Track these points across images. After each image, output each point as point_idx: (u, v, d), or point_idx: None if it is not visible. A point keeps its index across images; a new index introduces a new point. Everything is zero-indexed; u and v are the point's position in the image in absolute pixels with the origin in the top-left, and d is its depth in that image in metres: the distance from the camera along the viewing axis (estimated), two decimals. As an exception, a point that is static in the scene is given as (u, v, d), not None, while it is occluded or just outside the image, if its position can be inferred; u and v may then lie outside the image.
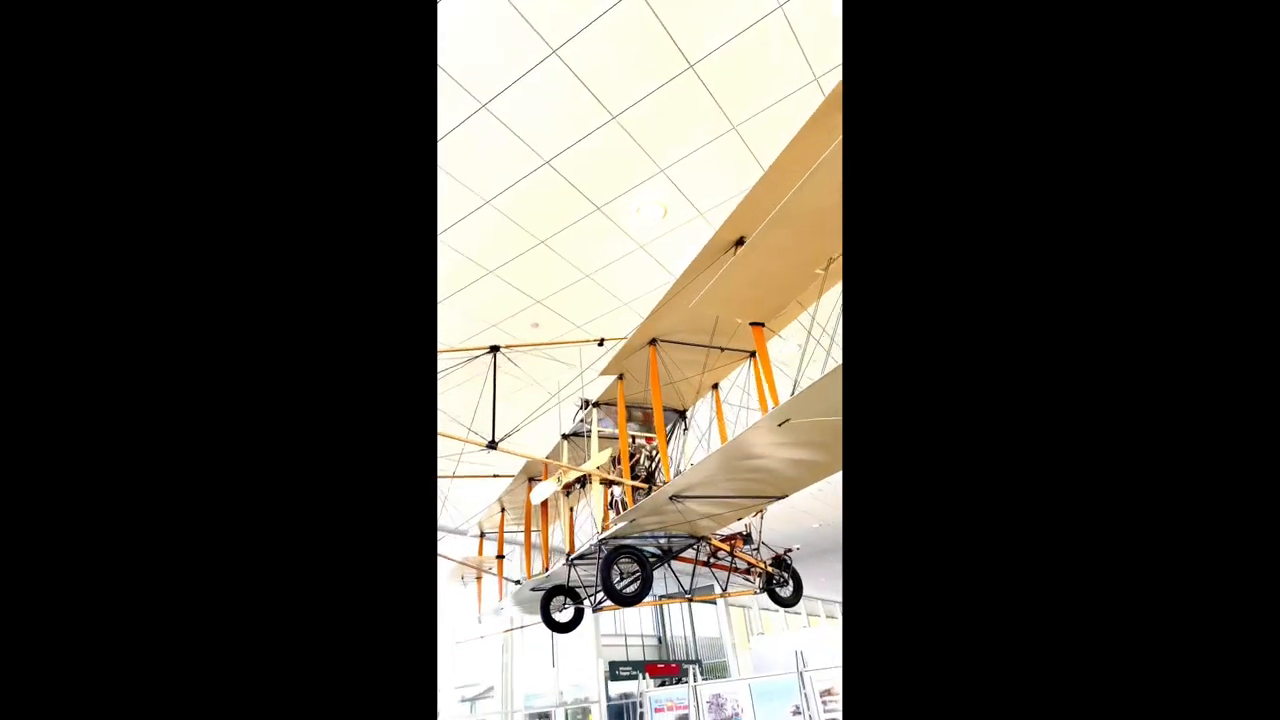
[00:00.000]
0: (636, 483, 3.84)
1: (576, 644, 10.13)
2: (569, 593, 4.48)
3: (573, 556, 4.12)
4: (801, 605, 16.70)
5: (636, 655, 11.54)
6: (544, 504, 4.83)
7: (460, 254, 3.69)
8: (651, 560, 3.80)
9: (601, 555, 3.70)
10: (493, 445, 3.13)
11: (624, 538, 3.73)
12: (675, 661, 11.72)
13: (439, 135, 2.95)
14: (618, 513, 4.03)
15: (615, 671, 10.12)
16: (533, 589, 4.85)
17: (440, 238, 3.48)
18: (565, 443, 4.53)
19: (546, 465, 4.84)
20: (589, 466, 3.53)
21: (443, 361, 3.98)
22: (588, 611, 4.64)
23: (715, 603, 13.85)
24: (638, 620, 12.08)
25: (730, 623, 13.77)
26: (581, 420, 4.29)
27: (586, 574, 4.30)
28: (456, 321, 4.38)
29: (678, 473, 3.66)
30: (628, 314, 4.40)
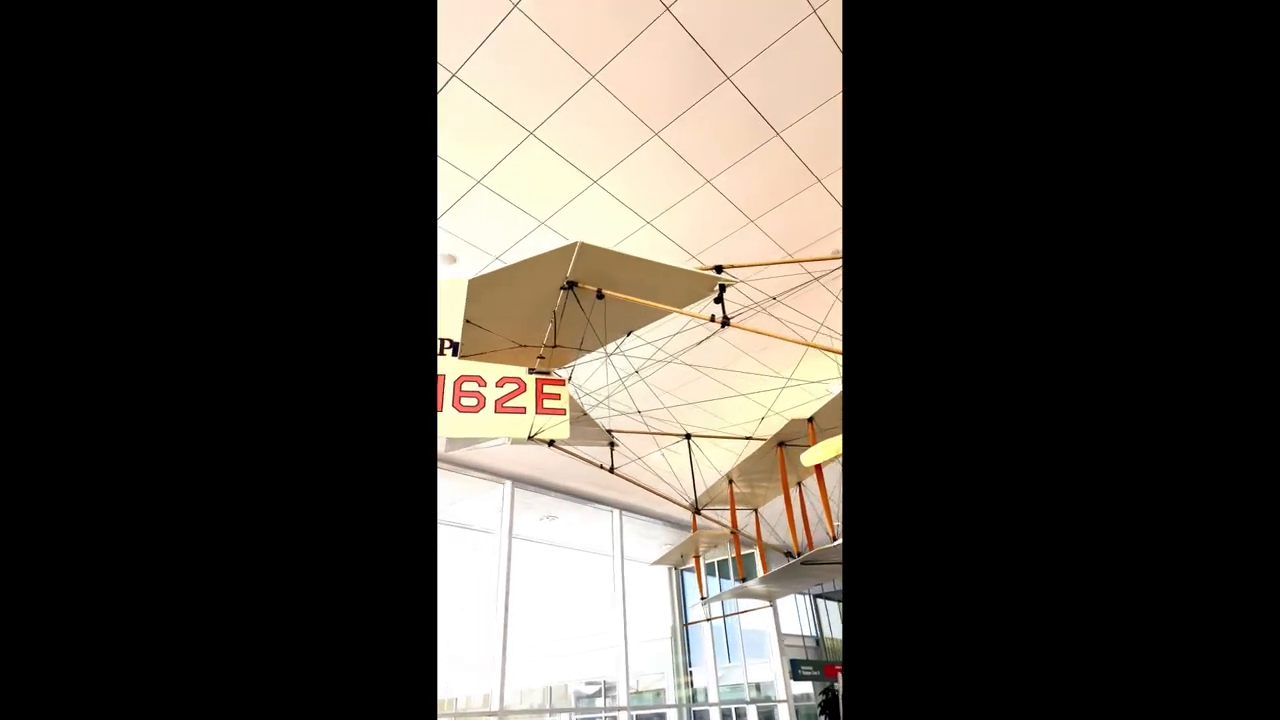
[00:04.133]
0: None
1: (754, 640, 9.58)
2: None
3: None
4: None
5: (798, 655, 10.81)
6: (818, 467, 4.37)
7: (680, 158, 3.22)
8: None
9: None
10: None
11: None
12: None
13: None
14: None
15: (797, 670, 9.47)
16: (805, 562, 4.37)
17: (678, 122, 3.07)
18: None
19: (812, 425, 4.37)
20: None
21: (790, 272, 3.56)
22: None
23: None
24: (795, 620, 11.36)
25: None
26: None
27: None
28: (675, 235, 3.89)
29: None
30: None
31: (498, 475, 6.81)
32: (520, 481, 6.98)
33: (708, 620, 7.20)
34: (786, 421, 4.45)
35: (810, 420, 4.37)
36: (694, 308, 2.77)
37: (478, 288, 2.44)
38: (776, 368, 4.81)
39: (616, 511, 8.08)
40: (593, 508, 7.91)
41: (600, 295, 2.57)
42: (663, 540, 9.59)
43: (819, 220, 3.62)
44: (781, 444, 4.70)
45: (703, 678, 9.41)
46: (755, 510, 5.71)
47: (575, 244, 2.40)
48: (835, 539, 4.02)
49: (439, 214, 3.36)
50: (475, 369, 3.14)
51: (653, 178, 3.22)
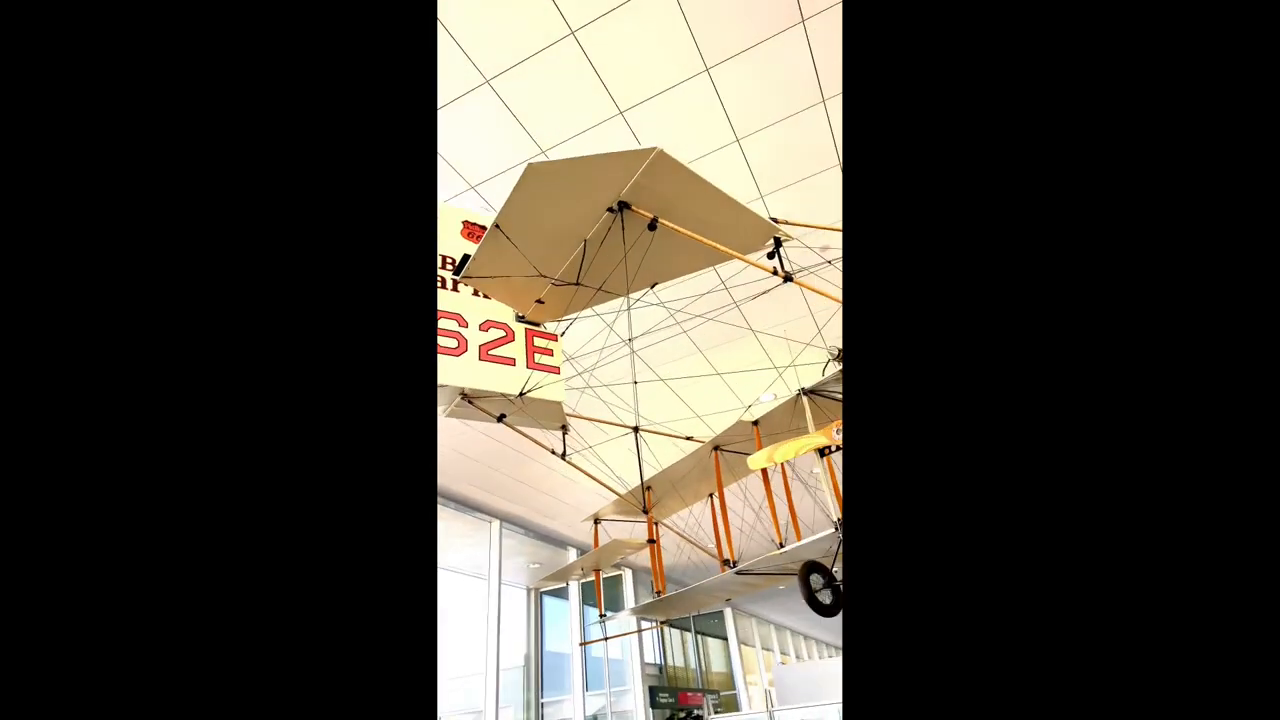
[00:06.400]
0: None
1: (609, 666, 9.19)
2: (824, 570, 3.81)
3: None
4: (775, 640, 16.34)
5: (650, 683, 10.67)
6: (764, 472, 4.23)
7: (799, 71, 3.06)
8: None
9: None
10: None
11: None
12: (698, 690, 10.92)
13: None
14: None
15: (655, 698, 9.22)
16: (738, 571, 4.16)
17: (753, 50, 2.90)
18: (805, 399, 3.99)
19: (757, 429, 4.26)
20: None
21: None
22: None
23: (725, 638, 13.31)
24: (650, 647, 11.24)
25: (741, 656, 13.22)
26: (840, 372, 3.76)
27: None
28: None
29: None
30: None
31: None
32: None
33: (604, 639, 6.67)
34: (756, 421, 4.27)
35: (755, 424, 4.24)
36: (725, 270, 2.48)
37: (533, 179, 1.92)
38: (738, 364, 4.63)
39: (496, 522, 7.30)
40: (470, 516, 7.05)
41: (653, 225, 2.17)
42: (531, 559, 8.90)
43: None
44: (718, 448, 4.52)
45: (555, 710, 8.74)
46: (658, 522, 5.44)
47: (653, 149, 2.00)
48: (782, 545, 3.86)
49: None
50: (455, 304, 2.54)
51: (690, 120, 2.90)
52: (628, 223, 2.23)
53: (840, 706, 6.86)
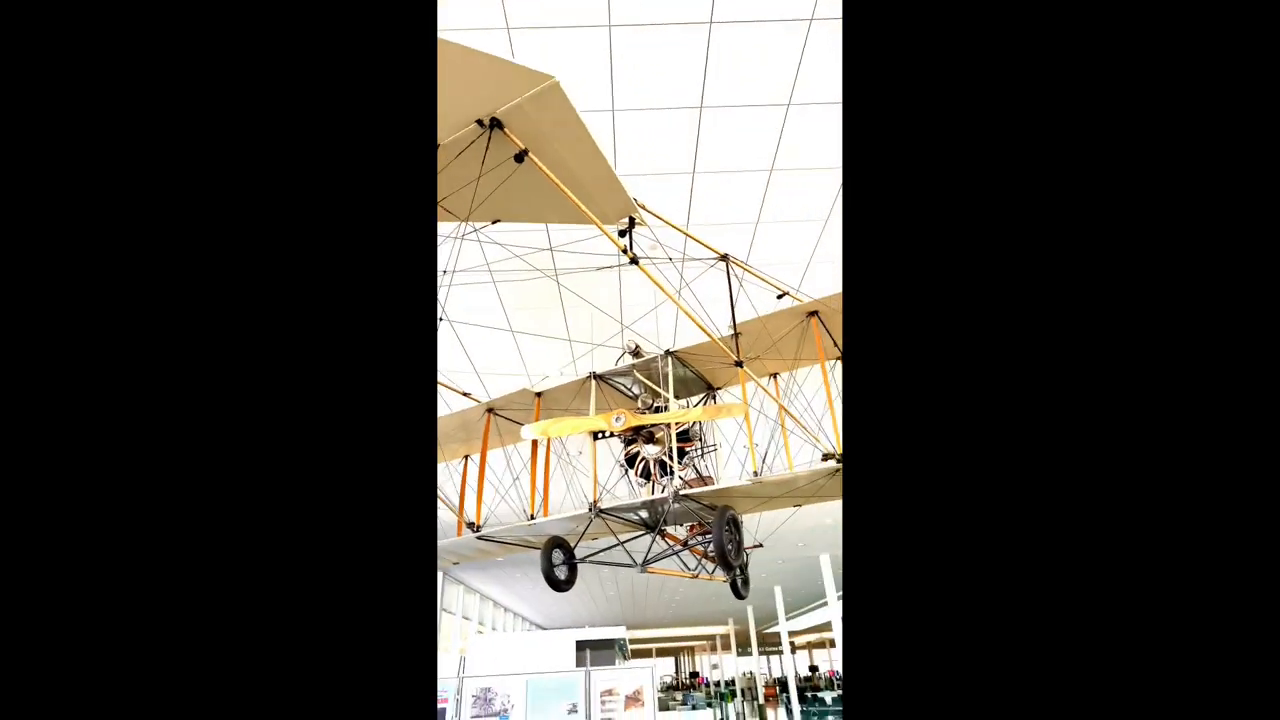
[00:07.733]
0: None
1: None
2: (567, 548, 3.89)
3: (601, 508, 3.64)
4: (478, 610, 16.53)
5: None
6: (534, 444, 4.16)
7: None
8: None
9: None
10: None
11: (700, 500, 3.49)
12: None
13: None
14: (646, 476, 3.77)
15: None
16: (480, 535, 4.05)
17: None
18: (595, 383, 4.11)
19: (539, 400, 4.24)
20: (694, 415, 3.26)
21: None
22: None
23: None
24: None
25: (439, 622, 12.96)
26: (632, 367, 3.92)
27: (597, 528, 3.83)
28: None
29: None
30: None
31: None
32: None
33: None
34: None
35: (539, 395, 4.20)
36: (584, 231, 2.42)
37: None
38: (538, 332, 4.50)
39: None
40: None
41: (520, 158, 2.01)
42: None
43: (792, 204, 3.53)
44: (492, 411, 4.38)
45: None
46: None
47: (550, 79, 1.86)
48: (533, 519, 3.86)
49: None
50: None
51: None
52: (494, 144, 2.02)
53: (525, 678, 7.13)
